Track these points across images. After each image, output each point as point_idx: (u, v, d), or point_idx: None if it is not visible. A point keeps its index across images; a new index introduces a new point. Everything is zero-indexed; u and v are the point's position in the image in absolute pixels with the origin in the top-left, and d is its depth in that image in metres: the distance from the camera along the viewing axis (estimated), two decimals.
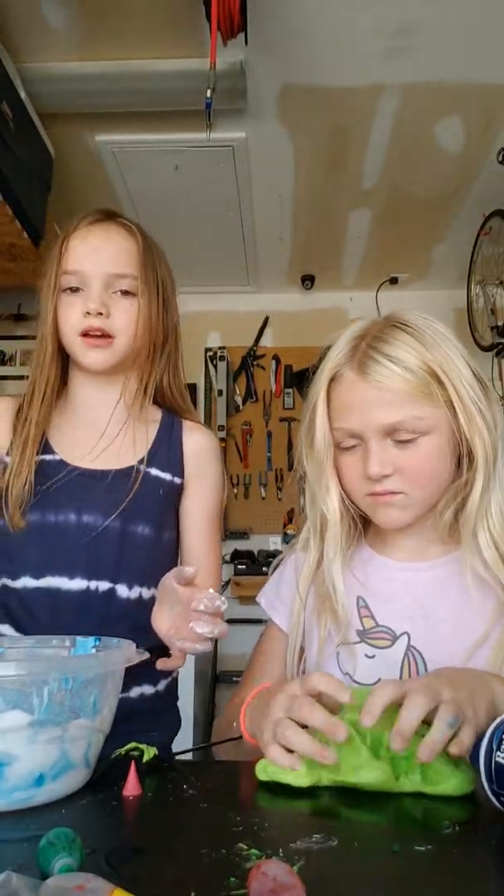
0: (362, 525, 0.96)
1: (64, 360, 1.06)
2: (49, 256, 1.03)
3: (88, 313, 0.98)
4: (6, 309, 3.71)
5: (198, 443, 1.09)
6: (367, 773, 0.63)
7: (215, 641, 0.85)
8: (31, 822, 0.58)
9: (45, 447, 1.02)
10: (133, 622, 0.97)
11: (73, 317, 1.00)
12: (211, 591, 0.77)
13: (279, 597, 1.00)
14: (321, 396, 0.89)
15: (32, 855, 0.47)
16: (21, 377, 3.66)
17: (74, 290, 1.00)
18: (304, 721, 0.67)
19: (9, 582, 1.00)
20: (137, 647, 0.74)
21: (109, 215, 1.05)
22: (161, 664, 0.83)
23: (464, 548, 0.87)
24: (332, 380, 0.89)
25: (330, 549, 0.92)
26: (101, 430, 1.03)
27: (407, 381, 0.83)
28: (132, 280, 1.01)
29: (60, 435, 1.04)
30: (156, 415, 1.10)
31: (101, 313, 0.98)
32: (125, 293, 1.01)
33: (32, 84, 2.27)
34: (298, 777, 0.65)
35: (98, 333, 0.99)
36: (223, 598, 0.77)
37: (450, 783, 0.63)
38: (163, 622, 0.83)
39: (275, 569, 1.04)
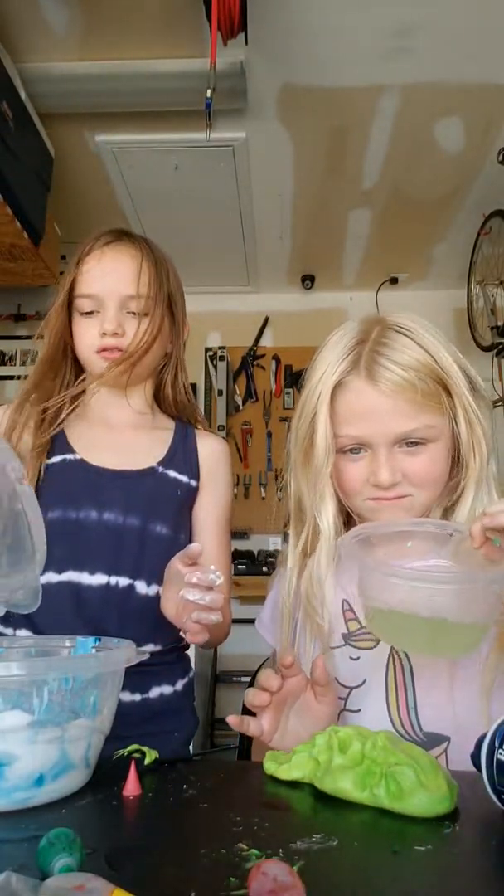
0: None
1: (79, 369, 1.11)
2: (63, 276, 1.09)
3: (105, 333, 1.04)
4: (6, 309, 3.71)
5: (212, 448, 1.15)
6: (334, 782, 0.63)
7: None
8: (31, 822, 0.58)
9: (66, 447, 1.07)
10: (152, 618, 0.99)
11: (89, 337, 1.06)
12: (210, 566, 0.80)
13: (272, 618, 1.00)
14: (325, 404, 0.86)
15: (32, 855, 0.47)
16: (21, 377, 3.66)
17: (89, 313, 1.06)
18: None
19: None
20: (156, 643, 0.73)
21: (119, 235, 1.10)
22: (191, 638, 0.84)
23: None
24: (336, 387, 0.87)
25: (323, 564, 0.90)
26: (118, 432, 1.09)
27: (418, 390, 0.82)
28: (142, 300, 1.06)
29: (80, 436, 1.08)
30: (168, 423, 1.15)
31: (116, 333, 1.04)
32: (136, 313, 1.06)
33: (32, 84, 2.27)
34: (286, 771, 0.67)
35: (114, 350, 1.05)
36: (218, 573, 0.79)
37: (412, 802, 0.58)
38: (171, 606, 0.86)
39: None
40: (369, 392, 0.84)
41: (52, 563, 1.00)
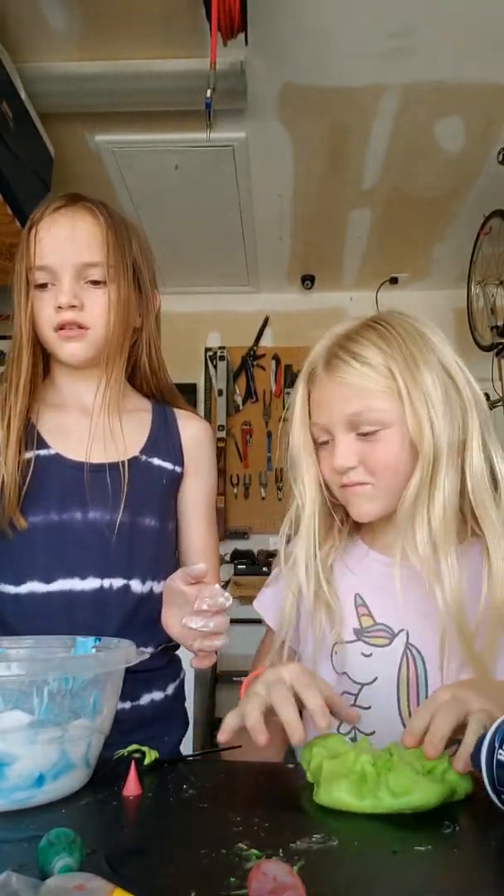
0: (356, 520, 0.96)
1: (45, 352, 1.02)
2: (17, 250, 1.00)
3: (61, 307, 0.95)
4: (5, 309, 3.71)
5: (195, 431, 1.09)
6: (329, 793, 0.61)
7: None
8: (31, 822, 0.58)
9: (39, 442, 0.98)
10: (148, 617, 0.95)
11: (46, 312, 0.96)
12: (216, 587, 0.77)
13: (274, 600, 1.00)
14: (300, 394, 0.93)
15: (32, 855, 0.47)
16: None
17: (44, 286, 0.97)
18: (278, 713, 0.67)
19: (9, 589, 0.95)
20: (152, 644, 0.72)
21: (73, 199, 1.01)
22: (196, 662, 0.82)
23: (398, 540, 0.87)
24: (309, 378, 0.93)
25: (301, 541, 0.93)
26: (93, 419, 0.99)
27: (365, 377, 0.86)
28: (102, 268, 0.97)
29: (51, 427, 1.00)
30: (144, 404, 1.08)
31: (73, 306, 0.95)
32: (96, 282, 0.97)
33: (32, 84, 2.27)
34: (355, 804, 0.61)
35: (73, 326, 0.96)
36: (227, 595, 0.76)
37: (416, 795, 0.58)
38: (174, 624, 0.83)
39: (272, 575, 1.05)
40: (325, 381, 0.90)
41: (38, 572, 0.94)
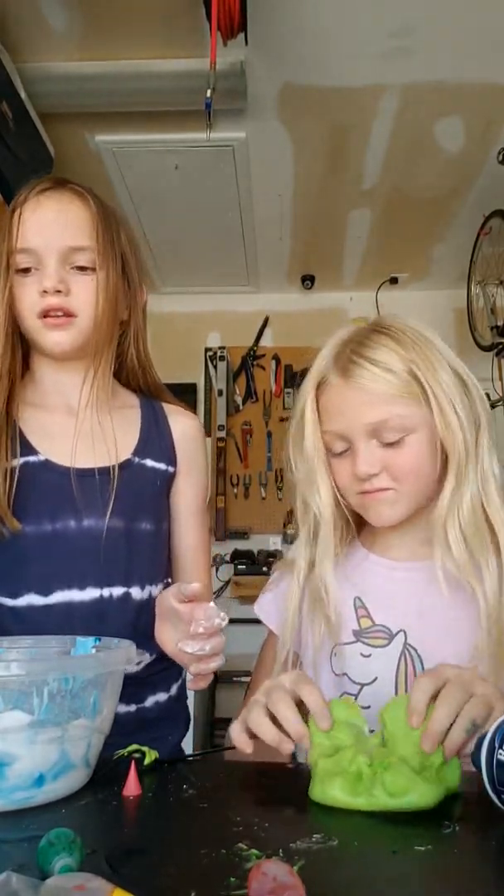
0: (355, 524, 0.97)
1: (24, 345, 0.97)
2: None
3: (45, 292, 0.90)
4: None
5: (186, 429, 1.06)
6: (323, 791, 0.62)
7: None
8: (31, 822, 0.58)
9: (26, 446, 0.93)
10: (148, 624, 0.91)
11: (29, 297, 0.91)
12: (211, 606, 0.75)
13: (275, 604, 1.00)
14: (309, 401, 0.92)
15: (32, 855, 0.47)
16: None
17: (27, 270, 0.92)
18: (274, 713, 0.68)
19: (6, 601, 0.91)
20: (153, 651, 0.73)
21: (60, 183, 0.97)
22: (192, 685, 0.82)
23: (435, 545, 0.87)
24: (319, 385, 0.92)
25: (321, 549, 0.92)
26: (81, 419, 0.95)
27: (388, 383, 0.85)
28: (90, 253, 0.92)
29: (35, 428, 0.95)
30: (131, 400, 1.05)
31: (59, 291, 0.90)
32: (83, 268, 0.92)
33: (32, 84, 2.27)
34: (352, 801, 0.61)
35: (58, 313, 0.91)
36: (223, 615, 0.75)
37: (413, 796, 0.58)
38: (169, 641, 0.82)
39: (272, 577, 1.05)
40: (342, 388, 0.88)
41: (34, 584, 0.91)
